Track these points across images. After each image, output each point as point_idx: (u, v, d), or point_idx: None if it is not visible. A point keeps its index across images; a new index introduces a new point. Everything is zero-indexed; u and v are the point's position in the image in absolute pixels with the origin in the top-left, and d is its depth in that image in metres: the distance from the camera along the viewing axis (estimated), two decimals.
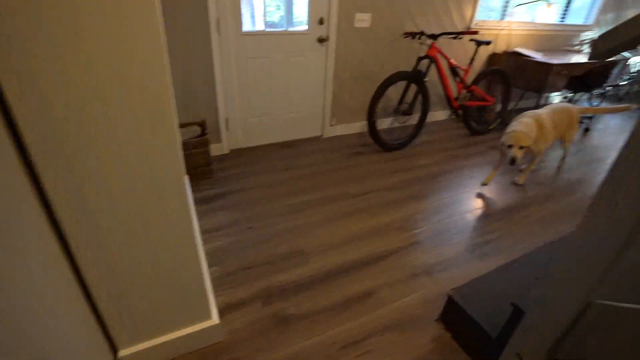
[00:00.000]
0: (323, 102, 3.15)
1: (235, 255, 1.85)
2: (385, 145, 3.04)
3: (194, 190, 2.41)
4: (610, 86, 4.48)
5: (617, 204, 0.73)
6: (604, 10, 4.45)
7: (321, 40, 2.83)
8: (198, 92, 2.61)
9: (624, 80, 5.04)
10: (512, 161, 2.26)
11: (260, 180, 2.58)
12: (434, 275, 1.76)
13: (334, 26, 2.81)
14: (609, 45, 0.71)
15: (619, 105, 2.64)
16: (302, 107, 3.09)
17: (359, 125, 3.46)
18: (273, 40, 2.68)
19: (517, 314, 1.10)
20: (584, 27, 4.48)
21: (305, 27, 2.77)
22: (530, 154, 2.53)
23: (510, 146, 2.29)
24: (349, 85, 3.19)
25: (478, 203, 2.41)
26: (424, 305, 1.60)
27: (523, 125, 2.32)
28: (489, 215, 2.28)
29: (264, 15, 2.65)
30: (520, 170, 2.77)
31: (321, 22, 2.75)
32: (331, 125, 3.31)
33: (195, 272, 1.23)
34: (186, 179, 2.28)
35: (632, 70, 5.02)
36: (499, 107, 3.80)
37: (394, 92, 3.42)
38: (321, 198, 2.37)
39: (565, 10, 4.36)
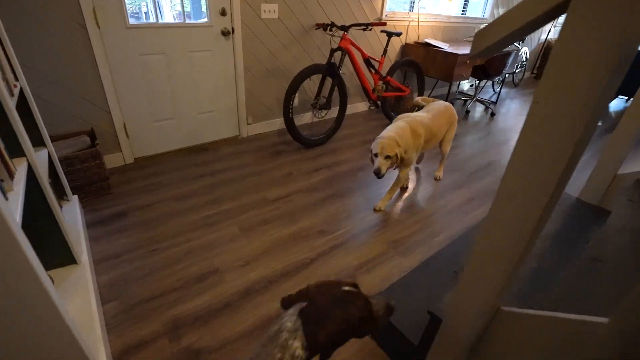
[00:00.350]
0: (236, 100, 2.93)
1: (138, 285, 1.60)
2: (305, 141, 2.94)
3: (88, 211, 2.06)
4: (507, 74, 4.92)
5: (512, 210, 0.69)
6: (496, 5, 4.85)
7: (226, 33, 2.59)
8: (82, 97, 2.22)
9: (517, 68, 5.60)
10: (377, 172, 2.00)
11: (168, 192, 2.30)
12: (358, 279, 1.70)
13: (238, 18, 2.59)
14: (485, 44, 0.65)
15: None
16: (214, 107, 2.84)
17: (279, 122, 3.30)
18: (169, 35, 2.38)
19: (434, 321, 1.06)
20: (482, 20, 4.85)
21: (205, 19, 2.51)
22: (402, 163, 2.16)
23: (376, 155, 2.02)
24: (263, 81, 3.01)
25: (399, 196, 2.43)
26: None
27: (394, 131, 2.05)
28: (409, 207, 2.30)
29: (171, 8, 2.35)
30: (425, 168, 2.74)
31: (223, 13, 2.52)
32: (249, 124, 3.10)
33: (63, 335, 0.98)
34: (75, 200, 1.92)
35: (523, 59, 5.60)
36: (415, 96, 3.94)
37: (311, 86, 3.32)
38: (237, 207, 2.19)
39: (465, 4, 4.65)
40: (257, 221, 2.07)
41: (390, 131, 2.06)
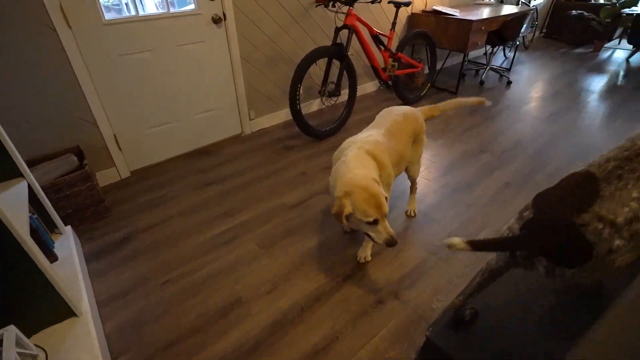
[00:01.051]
0: (236, 95, 2.64)
1: (152, 329, 1.39)
2: (316, 134, 2.67)
3: (85, 241, 1.83)
4: (522, 37, 4.57)
5: None
6: None
7: (217, 19, 2.28)
8: (62, 111, 1.94)
9: (528, 30, 5.22)
10: (392, 242, 1.25)
11: (174, 206, 2.06)
12: (401, 296, 1.49)
13: (229, 0, 2.27)
14: None
15: (473, 99, 1.78)
16: (212, 105, 2.56)
17: (285, 113, 3.02)
18: (154, 28, 2.08)
19: None
20: None
21: (192, 6, 2.19)
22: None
23: (374, 222, 1.24)
24: (263, 70, 2.71)
25: (425, 190, 2.18)
26: (399, 341, 1.32)
27: (363, 167, 1.32)
28: (441, 202, 2.07)
29: None
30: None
31: None
32: (252, 119, 2.83)
33: None
34: (69, 231, 1.69)
35: (535, 18, 5.21)
36: (427, 70, 3.63)
37: (316, 70, 3.01)
38: (253, 217, 1.95)
39: None
40: (278, 233, 1.84)
41: (359, 169, 1.30)
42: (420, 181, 2.23)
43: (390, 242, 1.25)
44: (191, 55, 2.29)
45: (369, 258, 1.65)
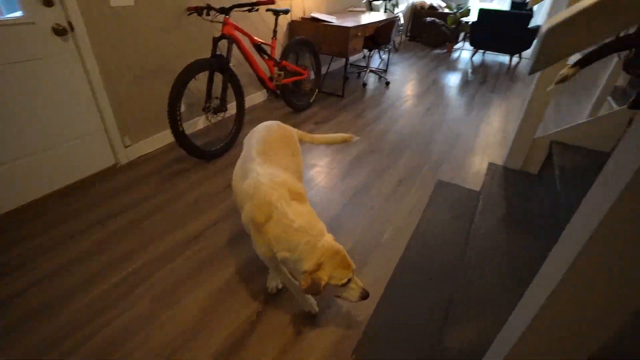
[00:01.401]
0: (101, 119, 2.23)
1: None
2: (204, 154, 2.44)
3: None
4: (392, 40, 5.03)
5: None
6: None
7: (60, 31, 1.86)
8: None
9: (397, 34, 5.80)
10: (366, 295, 1.21)
11: (41, 266, 1.61)
12: (322, 316, 1.43)
13: (74, 8, 1.87)
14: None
15: (340, 135, 1.76)
16: (71, 134, 2.10)
17: (167, 135, 2.69)
18: None
19: None
20: None
21: (18, 13, 1.73)
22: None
23: (347, 282, 1.17)
24: (135, 88, 2.35)
25: (327, 199, 2.18)
26: None
27: (307, 217, 1.21)
28: (343, 209, 2.08)
29: None
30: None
31: (48, 2, 1.78)
32: (127, 146, 2.43)
33: None
34: None
35: (400, 24, 5.82)
36: (312, 76, 3.68)
37: (197, 85, 2.76)
38: (146, 263, 1.66)
39: None
40: (178, 276, 1.59)
41: (317, 230, 1.18)
42: (321, 191, 2.22)
43: (365, 296, 1.20)
44: (29, 75, 1.82)
45: (280, 285, 1.55)
